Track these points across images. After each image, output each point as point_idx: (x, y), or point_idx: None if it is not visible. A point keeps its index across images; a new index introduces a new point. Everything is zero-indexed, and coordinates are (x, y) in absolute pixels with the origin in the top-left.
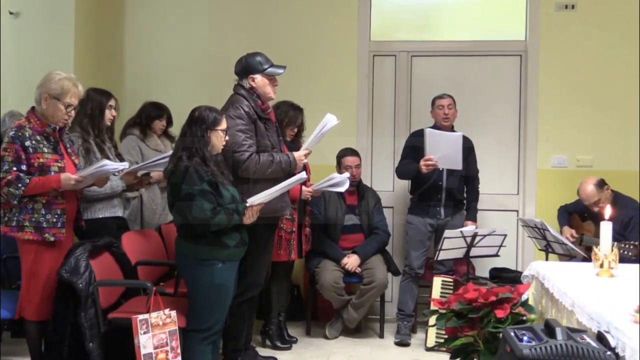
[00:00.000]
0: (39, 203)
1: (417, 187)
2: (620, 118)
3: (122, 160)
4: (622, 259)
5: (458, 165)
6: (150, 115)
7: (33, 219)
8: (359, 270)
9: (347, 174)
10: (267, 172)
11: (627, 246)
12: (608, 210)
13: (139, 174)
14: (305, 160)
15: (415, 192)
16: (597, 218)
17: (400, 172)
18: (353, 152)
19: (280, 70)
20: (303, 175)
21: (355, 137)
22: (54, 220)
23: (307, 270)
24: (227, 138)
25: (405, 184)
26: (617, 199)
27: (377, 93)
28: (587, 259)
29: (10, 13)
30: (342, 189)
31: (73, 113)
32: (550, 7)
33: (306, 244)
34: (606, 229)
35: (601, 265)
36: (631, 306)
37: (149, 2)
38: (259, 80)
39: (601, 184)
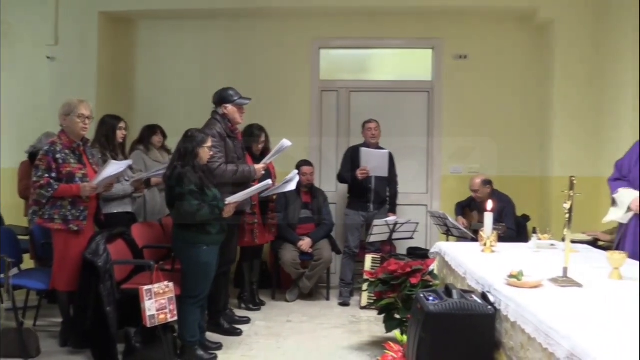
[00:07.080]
0: (66, 201)
1: (353, 188)
2: (498, 138)
3: (131, 169)
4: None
5: (384, 173)
6: (148, 133)
7: (61, 213)
8: (310, 250)
9: (296, 172)
10: (232, 178)
11: (498, 227)
12: (490, 204)
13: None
14: (263, 172)
15: (352, 193)
16: (480, 210)
17: (342, 179)
18: (308, 163)
19: (247, 101)
20: (269, 182)
21: (308, 151)
22: (78, 214)
23: (272, 251)
24: (211, 153)
25: (345, 186)
26: (495, 195)
27: (325, 119)
28: (475, 239)
29: (48, 58)
30: (292, 187)
31: (88, 122)
32: (449, 56)
33: (270, 233)
34: (489, 218)
35: (485, 244)
36: (505, 273)
37: (153, 51)
38: (230, 108)
39: (486, 182)
